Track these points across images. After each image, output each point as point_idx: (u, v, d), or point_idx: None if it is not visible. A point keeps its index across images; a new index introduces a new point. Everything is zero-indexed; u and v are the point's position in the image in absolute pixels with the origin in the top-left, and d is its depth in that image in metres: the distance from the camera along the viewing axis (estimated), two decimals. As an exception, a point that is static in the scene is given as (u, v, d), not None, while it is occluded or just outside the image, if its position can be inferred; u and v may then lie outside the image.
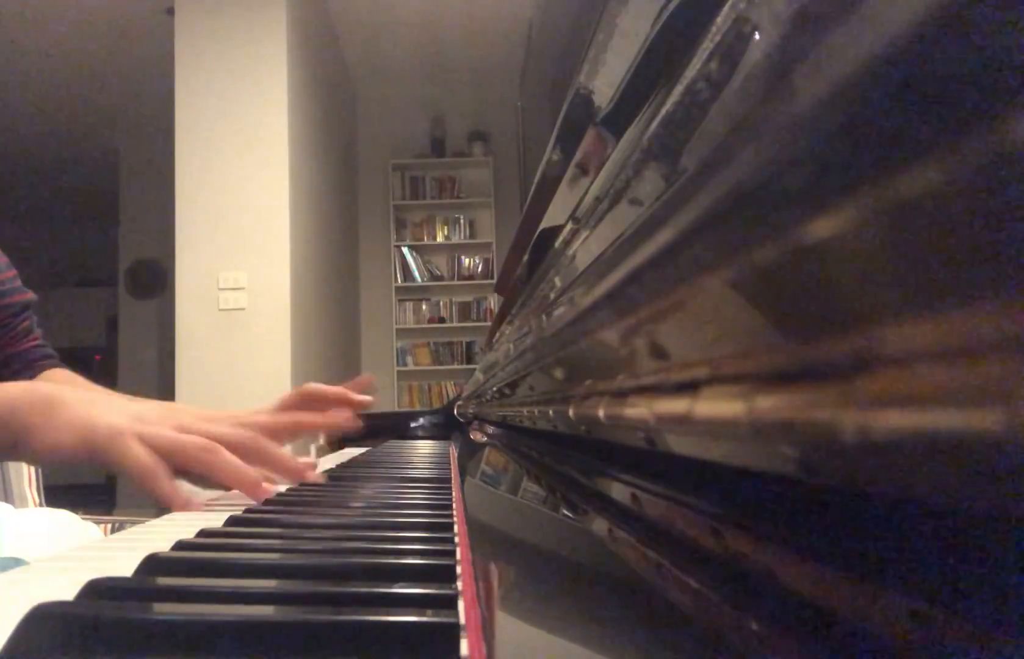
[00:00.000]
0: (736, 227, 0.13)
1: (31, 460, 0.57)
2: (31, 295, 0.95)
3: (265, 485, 0.56)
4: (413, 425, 1.49)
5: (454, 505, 0.48)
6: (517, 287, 0.62)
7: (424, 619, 0.22)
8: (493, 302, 4.73)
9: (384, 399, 4.85)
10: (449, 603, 0.25)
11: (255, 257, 3.17)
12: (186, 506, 0.53)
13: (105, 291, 6.75)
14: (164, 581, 0.28)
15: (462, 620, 0.23)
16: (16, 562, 0.35)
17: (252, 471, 0.57)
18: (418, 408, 4.52)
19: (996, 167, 0.07)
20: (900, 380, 0.09)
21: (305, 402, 0.72)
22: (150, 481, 0.53)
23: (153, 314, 5.49)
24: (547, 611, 0.26)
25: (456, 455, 0.96)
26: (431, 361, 5.04)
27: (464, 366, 4.90)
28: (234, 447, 0.58)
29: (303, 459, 0.69)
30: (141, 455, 0.54)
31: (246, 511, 0.47)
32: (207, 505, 0.59)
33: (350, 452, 0.98)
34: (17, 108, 4.84)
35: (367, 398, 0.76)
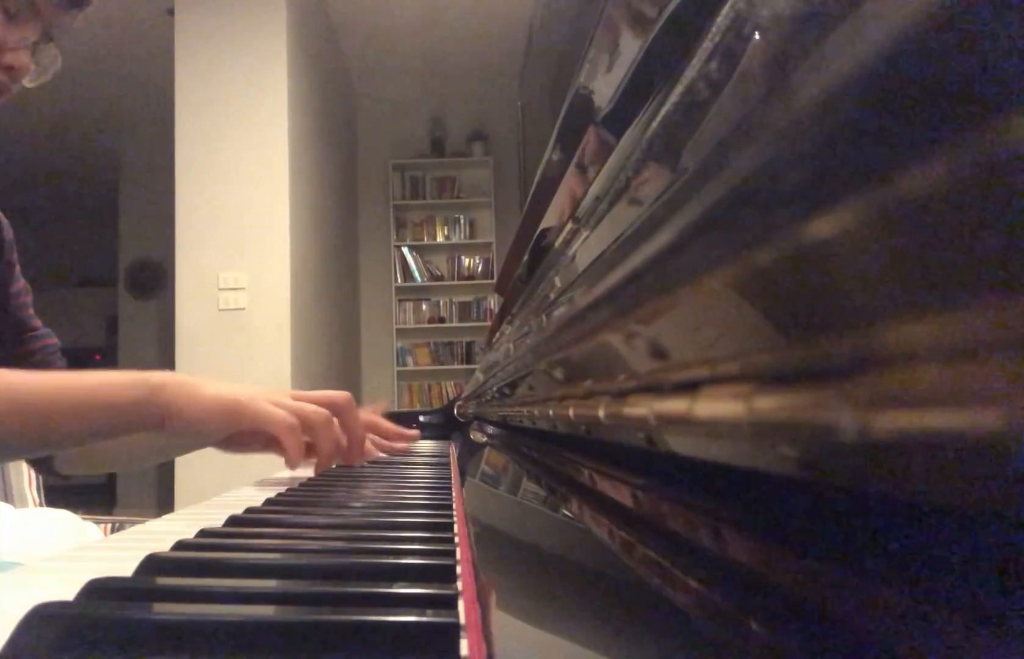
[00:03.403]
0: (736, 227, 0.13)
1: (176, 435, 0.66)
2: (56, 339, 0.99)
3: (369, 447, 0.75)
4: (413, 425, 1.49)
5: (454, 505, 0.48)
6: (517, 287, 0.62)
7: (424, 619, 0.22)
8: (493, 302, 4.73)
9: (385, 399, 4.85)
10: (449, 603, 0.25)
11: (255, 257, 3.17)
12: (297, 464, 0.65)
13: (105, 291, 6.75)
14: (164, 581, 0.28)
15: (462, 620, 0.23)
16: (12, 567, 0.35)
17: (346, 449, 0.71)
18: (418, 408, 4.52)
19: (995, 167, 0.07)
20: (900, 380, 0.09)
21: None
22: (293, 435, 0.64)
23: (153, 314, 5.49)
24: (547, 611, 0.26)
25: (456, 455, 0.96)
26: (431, 361, 5.04)
27: (464, 366, 4.90)
28: (328, 403, 0.70)
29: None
30: (283, 414, 0.64)
31: (246, 511, 0.47)
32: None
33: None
34: (17, 108, 4.83)
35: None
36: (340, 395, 0.73)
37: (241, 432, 0.67)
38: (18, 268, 0.96)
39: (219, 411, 0.64)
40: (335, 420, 0.70)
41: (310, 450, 0.69)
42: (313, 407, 0.67)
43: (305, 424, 0.66)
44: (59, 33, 0.79)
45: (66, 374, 0.66)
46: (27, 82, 0.80)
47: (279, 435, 0.64)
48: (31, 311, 0.96)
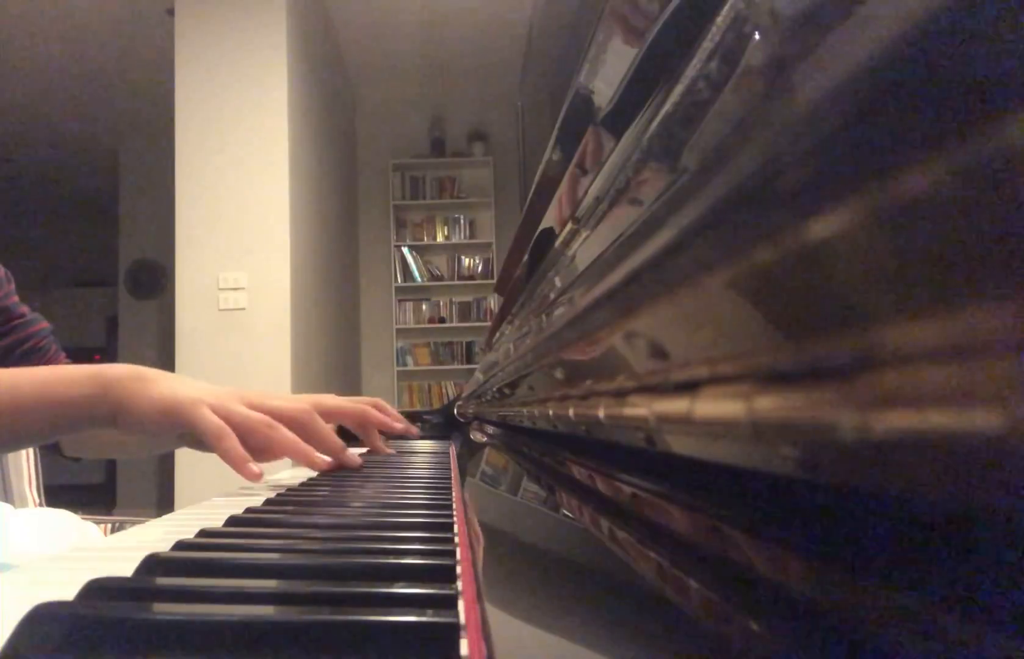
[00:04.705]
0: (736, 227, 0.13)
1: (125, 431, 0.65)
2: (47, 324, 0.97)
3: (321, 457, 0.67)
4: (417, 424, 1.49)
5: (454, 505, 0.48)
6: (517, 287, 0.62)
7: (424, 619, 0.22)
8: (493, 302, 4.72)
9: (384, 399, 4.84)
10: (449, 603, 0.25)
11: (255, 257, 3.17)
12: (250, 472, 0.62)
13: (105, 291, 6.75)
14: (164, 581, 0.28)
15: (462, 620, 0.23)
16: (11, 567, 0.35)
17: (305, 444, 0.67)
18: (418, 408, 4.51)
19: (995, 167, 0.07)
20: (900, 380, 0.09)
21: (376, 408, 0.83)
22: (223, 441, 0.62)
23: (153, 314, 5.49)
24: (547, 611, 0.26)
25: (456, 455, 0.96)
26: (431, 361, 5.04)
27: (464, 366, 4.90)
28: (289, 419, 0.68)
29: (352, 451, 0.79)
30: (214, 420, 0.63)
31: (246, 511, 0.47)
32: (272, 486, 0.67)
33: (350, 451, 0.98)
34: (17, 108, 4.84)
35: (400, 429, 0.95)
36: (301, 410, 0.71)
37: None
38: None
39: (159, 412, 0.63)
40: (283, 428, 0.66)
41: (264, 453, 0.66)
42: (255, 416, 0.65)
43: (240, 430, 0.63)
44: None
45: (18, 370, 0.64)
46: None
47: (209, 442, 0.63)
48: (15, 298, 0.94)
